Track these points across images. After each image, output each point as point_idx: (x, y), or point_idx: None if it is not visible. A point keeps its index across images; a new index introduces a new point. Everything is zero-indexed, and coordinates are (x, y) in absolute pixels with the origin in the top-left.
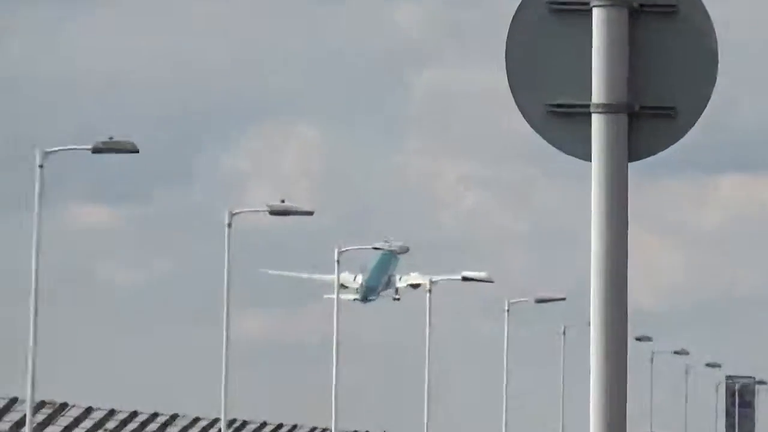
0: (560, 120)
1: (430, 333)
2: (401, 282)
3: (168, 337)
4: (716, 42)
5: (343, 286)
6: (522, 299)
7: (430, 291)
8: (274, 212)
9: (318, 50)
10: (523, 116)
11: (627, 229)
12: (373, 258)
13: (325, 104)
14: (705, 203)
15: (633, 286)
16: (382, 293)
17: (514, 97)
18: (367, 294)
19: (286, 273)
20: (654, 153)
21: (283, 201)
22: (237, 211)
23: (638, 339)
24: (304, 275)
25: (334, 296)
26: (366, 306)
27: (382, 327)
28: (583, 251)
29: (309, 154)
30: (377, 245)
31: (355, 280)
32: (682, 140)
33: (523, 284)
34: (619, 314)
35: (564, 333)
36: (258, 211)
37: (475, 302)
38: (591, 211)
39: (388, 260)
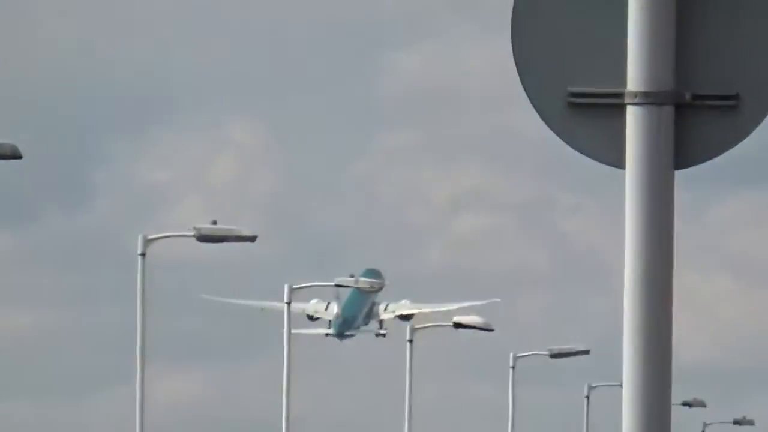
0: (584, 114)
1: (410, 395)
2: (387, 312)
3: (62, 403)
4: None
5: (311, 318)
6: (533, 353)
7: (411, 341)
8: (204, 238)
9: (258, 29)
10: (535, 109)
11: (672, 260)
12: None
13: (268, 99)
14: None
15: (679, 335)
16: (362, 327)
17: (522, 83)
18: (343, 328)
19: (231, 300)
20: (710, 158)
21: (215, 223)
22: (154, 236)
23: (686, 404)
24: (253, 302)
25: (302, 331)
26: (340, 346)
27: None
28: (614, 291)
29: (249, 163)
30: (340, 281)
31: (327, 309)
32: (747, 140)
33: (534, 334)
34: (661, 371)
35: (588, 396)
36: (182, 236)
37: (472, 356)
38: (624, 237)
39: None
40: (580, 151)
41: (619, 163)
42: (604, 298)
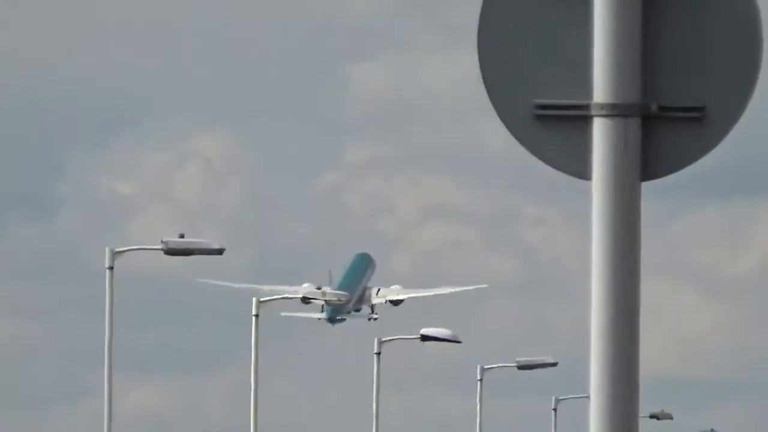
0: (550, 125)
1: (378, 407)
2: (378, 297)
3: (29, 414)
4: (760, 23)
5: (305, 300)
6: (500, 365)
7: (378, 354)
8: (172, 251)
9: (226, 40)
10: (502, 120)
11: (639, 271)
12: (344, 265)
13: (235, 110)
14: (744, 240)
15: (645, 347)
16: (354, 312)
17: (489, 95)
18: (335, 313)
19: (227, 284)
20: (677, 169)
21: (182, 236)
22: (120, 249)
23: (653, 416)
24: (249, 285)
25: (296, 314)
26: (308, 354)
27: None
28: (581, 302)
29: (216, 174)
30: (307, 294)
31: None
32: (714, 152)
33: (501, 346)
34: (629, 383)
35: (555, 408)
36: (150, 249)
37: (439, 369)
38: (591, 249)
39: (363, 266)
40: (548, 163)
41: (586, 175)
42: (571, 310)
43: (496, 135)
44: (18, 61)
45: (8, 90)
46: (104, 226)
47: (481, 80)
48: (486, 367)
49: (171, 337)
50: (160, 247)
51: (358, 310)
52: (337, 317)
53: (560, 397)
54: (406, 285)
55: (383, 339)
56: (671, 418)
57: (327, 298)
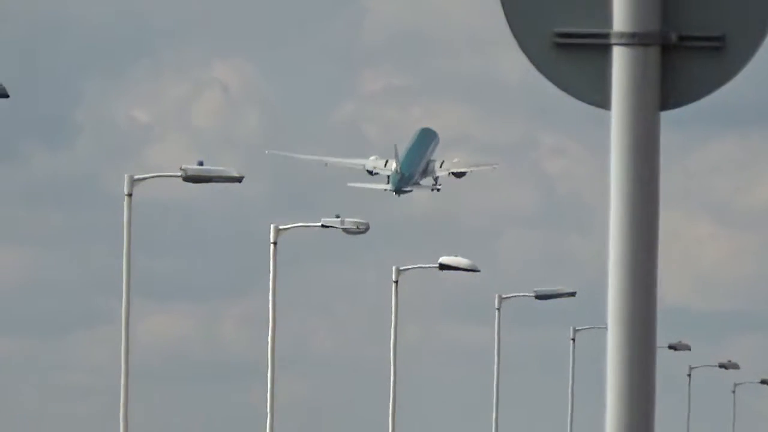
0: (570, 54)
1: (396, 337)
2: (442, 170)
3: (46, 341)
4: None
5: (371, 173)
6: (518, 294)
7: (396, 282)
8: (191, 178)
9: None
10: (521, 49)
11: (658, 201)
12: (409, 138)
13: (253, 39)
14: (759, 170)
15: (663, 278)
16: (420, 182)
17: (508, 23)
18: (401, 184)
19: (295, 155)
20: (696, 99)
21: (201, 163)
22: (140, 176)
23: (671, 347)
24: (317, 158)
25: (363, 185)
26: (328, 282)
27: (338, 330)
28: (600, 233)
29: (232, 103)
30: (326, 222)
31: (386, 166)
32: (732, 84)
33: (519, 275)
34: (646, 314)
35: (573, 338)
36: (169, 176)
37: (457, 297)
38: (610, 180)
39: (427, 140)
40: (567, 92)
41: (604, 104)
42: (590, 241)
43: (515, 65)
44: None
45: (25, 16)
46: (122, 153)
47: (501, 9)
48: (504, 296)
49: (188, 265)
50: (179, 174)
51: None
52: (403, 188)
53: (578, 327)
54: (425, 216)
55: (401, 267)
56: (689, 349)
57: (345, 227)
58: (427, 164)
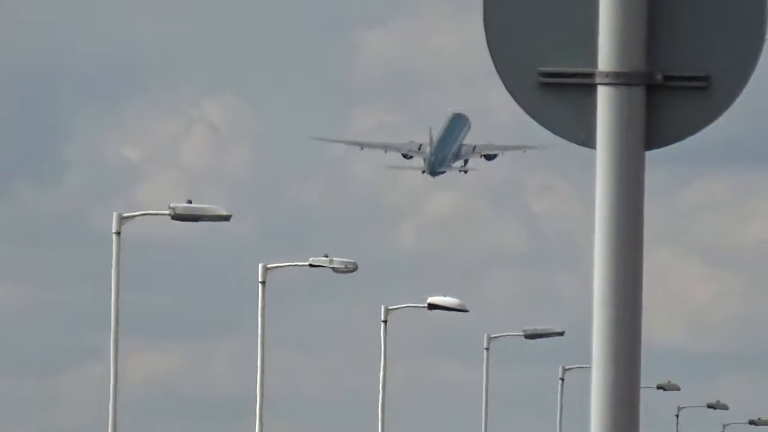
0: (555, 93)
1: (385, 376)
2: (474, 153)
3: (36, 379)
4: None
5: (406, 156)
6: (507, 333)
7: (385, 322)
8: (179, 216)
9: (233, 5)
10: (507, 89)
11: (642, 240)
12: (442, 123)
13: (242, 77)
14: (747, 209)
15: (652, 318)
16: (452, 165)
17: (494, 62)
18: (436, 166)
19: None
20: (680, 138)
21: (190, 202)
22: (128, 214)
23: (660, 387)
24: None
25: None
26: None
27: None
28: (588, 271)
29: (222, 140)
30: (314, 261)
31: (420, 150)
32: (720, 122)
33: (508, 315)
34: (631, 355)
35: (562, 378)
36: (157, 214)
37: (446, 337)
38: (594, 217)
39: (459, 125)
40: (552, 131)
41: (589, 143)
42: (578, 280)
43: (504, 102)
44: (25, 22)
45: (15, 51)
46: (110, 190)
47: (487, 48)
48: (493, 336)
49: (177, 303)
50: (167, 212)
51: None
52: (438, 170)
53: (567, 367)
54: (413, 255)
55: (390, 307)
56: (678, 389)
57: (334, 266)
58: (459, 148)
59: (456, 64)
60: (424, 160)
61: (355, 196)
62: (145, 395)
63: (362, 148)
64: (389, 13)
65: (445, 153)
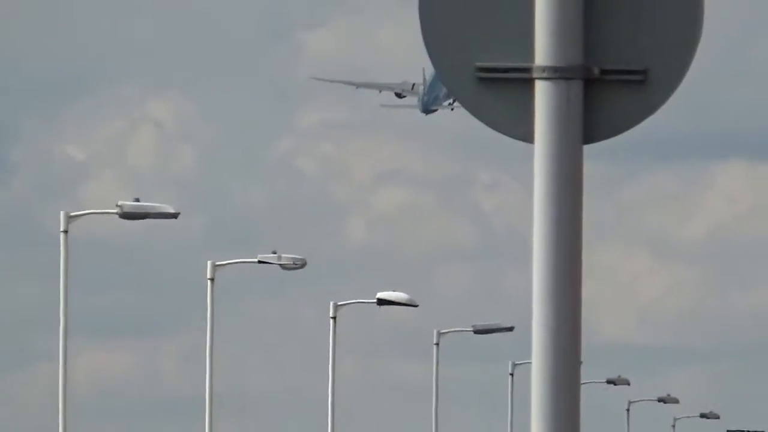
0: (492, 88)
1: (334, 372)
2: None
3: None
4: None
5: (399, 96)
6: (456, 329)
7: (334, 318)
8: (127, 215)
9: (177, 6)
10: (444, 84)
11: (581, 235)
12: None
13: (187, 76)
14: (694, 202)
15: (601, 312)
16: (444, 103)
17: (430, 58)
18: (428, 105)
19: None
20: (618, 132)
21: (137, 200)
22: (75, 213)
23: (610, 382)
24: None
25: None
26: (266, 317)
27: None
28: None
29: (169, 138)
30: (263, 258)
31: (413, 89)
32: (666, 118)
33: (457, 310)
34: (571, 351)
35: (512, 373)
36: (105, 213)
37: (395, 333)
38: (533, 212)
39: None
40: (490, 126)
41: (529, 138)
42: (528, 275)
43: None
44: None
45: None
46: (57, 191)
47: (423, 43)
48: (442, 331)
49: (125, 302)
50: (115, 211)
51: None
52: (431, 108)
53: (517, 362)
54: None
55: (339, 303)
56: (628, 384)
57: (282, 262)
58: None
59: (401, 60)
60: (418, 99)
61: (302, 193)
62: (94, 395)
63: (357, 88)
64: (330, 13)
65: (437, 92)
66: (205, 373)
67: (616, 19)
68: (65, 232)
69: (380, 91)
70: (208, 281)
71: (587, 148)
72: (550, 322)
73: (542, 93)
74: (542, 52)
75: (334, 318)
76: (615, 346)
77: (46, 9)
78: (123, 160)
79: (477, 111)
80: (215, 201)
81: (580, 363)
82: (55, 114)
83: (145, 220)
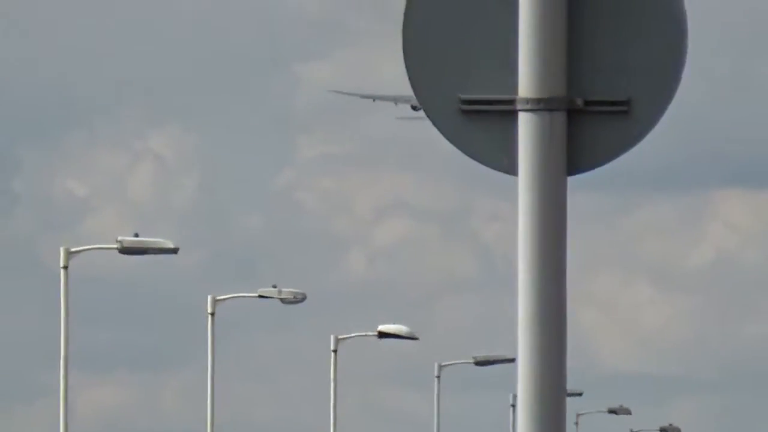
0: (476, 121)
1: (335, 405)
2: None
3: None
4: (685, 16)
5: (414, 108)
6: (457, 361)
7: (335, 351)
8: (127, 250)
9: (178, 38)
10: (428, 116)
11: (565, 266)
12: None
13: (188, 109)
14: (695, 231)
15: (602, 342)
16: None
17: (413, 90)
18: None
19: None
20: (602, 163)
21: (137, 235)
22: (76, 249)
23: (612, 411)
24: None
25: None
26: (267, 352)
27: (277, 398)
28: None
29: (168, 173)
30: (263, 292)
31: None
32: (668, 149)
33: (458, 343)
34: (556, 384)
35: (514, 405)
36: (105, 248)
37: (396, 366)
38: (518, 244)
39: None
40: (473, 158)
41: (512, 170)
42: None
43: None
44: None
45: None
46: (56, 225)
47: (406, 75)
48: (443, 364)
49: (126, 337)
50: (114, 246)
51: None
52: None
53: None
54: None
55: (340, 336)
56: (630, 413)
57: (283, 296)
58: None
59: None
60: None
61: (302, 226)
62: (95, 431)
63: (374, 101)
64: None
65: None
66: (207, 407)
67: (598, 50)
68: (65, 267)
69: (396, 104)
70: (209, 316)
71: (585, 179)
72: (534, 355)
73: (525, 124)
74: (525, 83)
75: (335, 351)
76: (616, 375)
77: (43, 42)
78: (123, 193)
79: (460, 143)
80: (215, 234)
81: (564, 398)
82: (55, 147)
83: (145, 256)
